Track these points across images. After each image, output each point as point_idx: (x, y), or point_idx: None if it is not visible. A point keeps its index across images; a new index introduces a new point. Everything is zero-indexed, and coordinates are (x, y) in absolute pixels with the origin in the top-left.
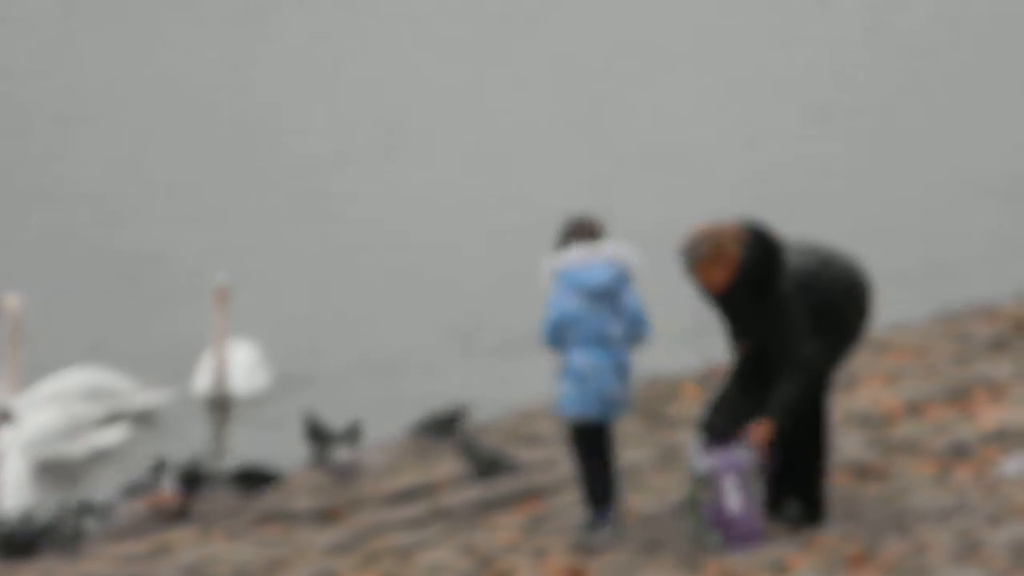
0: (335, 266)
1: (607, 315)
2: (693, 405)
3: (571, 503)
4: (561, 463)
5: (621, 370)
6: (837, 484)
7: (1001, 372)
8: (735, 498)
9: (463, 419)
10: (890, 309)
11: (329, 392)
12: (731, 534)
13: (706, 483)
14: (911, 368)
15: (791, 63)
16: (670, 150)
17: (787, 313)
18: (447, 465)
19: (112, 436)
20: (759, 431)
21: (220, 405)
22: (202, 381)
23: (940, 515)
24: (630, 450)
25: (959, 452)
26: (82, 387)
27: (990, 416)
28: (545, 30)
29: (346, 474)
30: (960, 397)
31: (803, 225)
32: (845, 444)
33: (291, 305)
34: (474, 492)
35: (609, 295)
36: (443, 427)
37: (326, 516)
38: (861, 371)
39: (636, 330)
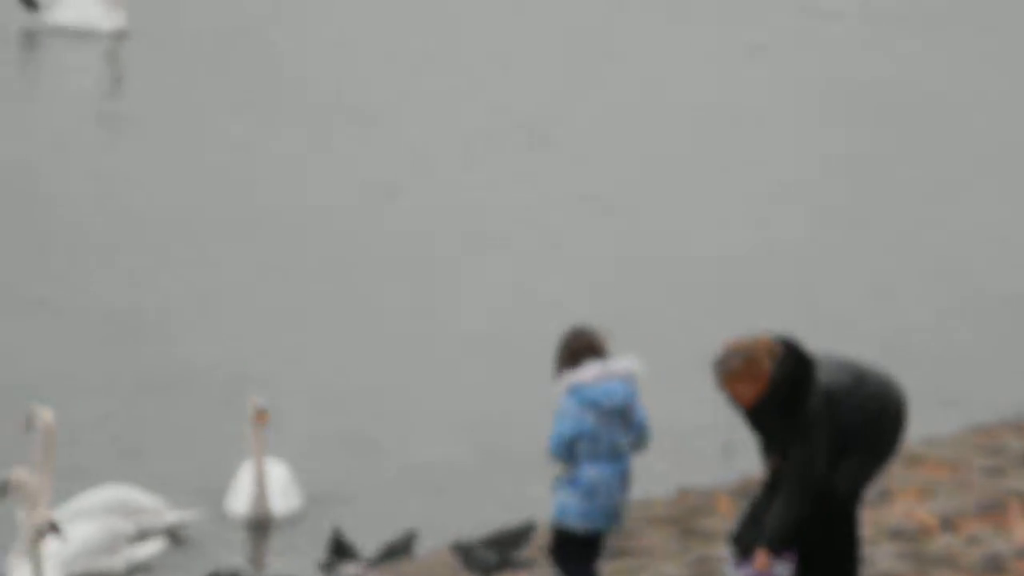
0: (364, 376)
1: (618, 429)
2: (727, 518)
3: None
4: None
5: (626, 480)
6: None
7: None
8: None
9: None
10: (922, 422)
11: (362, 510)
12: None
13: None
14: (944, 482)
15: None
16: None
17: (810, 436)
18: None
19: (149, 550)
20: (759, 558)
21: (259, 524)
22: (239, 500)
23: None
24: (663, 564)
25: (994, 566)
26: (114, 502)
27: None
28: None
29: None
30: (994, 511)
31: (829, 340)
32: (879, 557)
33: (318, 423)
34: None
35: (623, 411)
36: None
37: None
38: (894, 485)
39: (642, 440)
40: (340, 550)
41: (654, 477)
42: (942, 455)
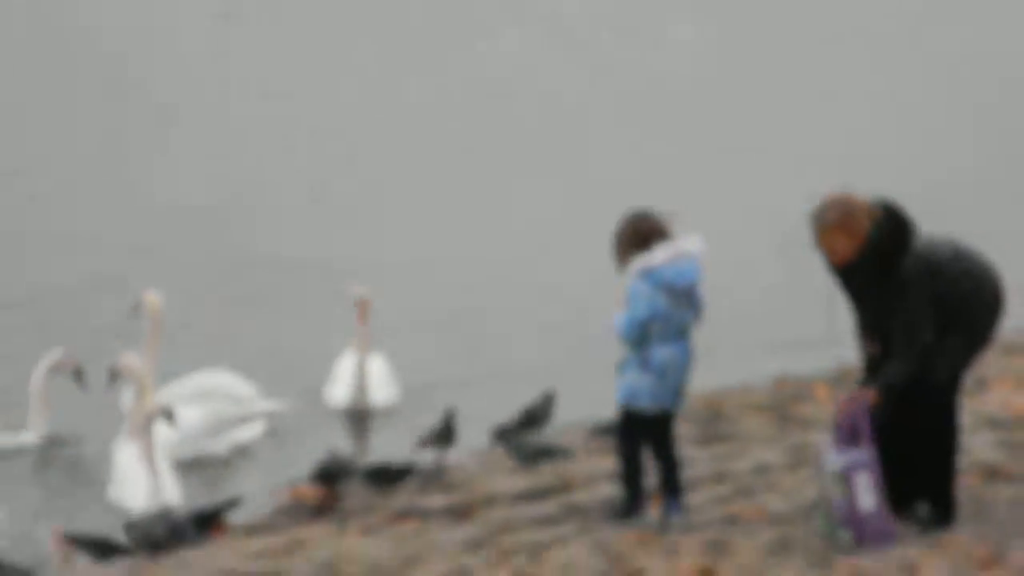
0: (462, 273)
1: (686, 308)
2: (825, 406)
3: (703, 502)
4: (695, 463)
5: (692, 359)
6: (967, 486)
7: None
8: (868, 496)
9: (549, 409)
10: (1019, 311)
11: (459, 400)
12: (863, 532)
13: (839, 481)
14: None
15: None
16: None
17: (909, 295)
18: (581, 464)
19: (249, 435)
20: (859, 395)
21: (357, 415)
22: (338, 391)
23: None
24: (760, 450)
25: None
26: (211, 388)
27: None
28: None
29: (433, 475)
30: None
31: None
32: (975, 446)
33: (416, 312)
34: (606, 489)
35: (691, 290)
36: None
37: (459, 513)
38: (991, 374)
39: (700, 317)
40: (447, 434)
41: (753, 365)
42: None
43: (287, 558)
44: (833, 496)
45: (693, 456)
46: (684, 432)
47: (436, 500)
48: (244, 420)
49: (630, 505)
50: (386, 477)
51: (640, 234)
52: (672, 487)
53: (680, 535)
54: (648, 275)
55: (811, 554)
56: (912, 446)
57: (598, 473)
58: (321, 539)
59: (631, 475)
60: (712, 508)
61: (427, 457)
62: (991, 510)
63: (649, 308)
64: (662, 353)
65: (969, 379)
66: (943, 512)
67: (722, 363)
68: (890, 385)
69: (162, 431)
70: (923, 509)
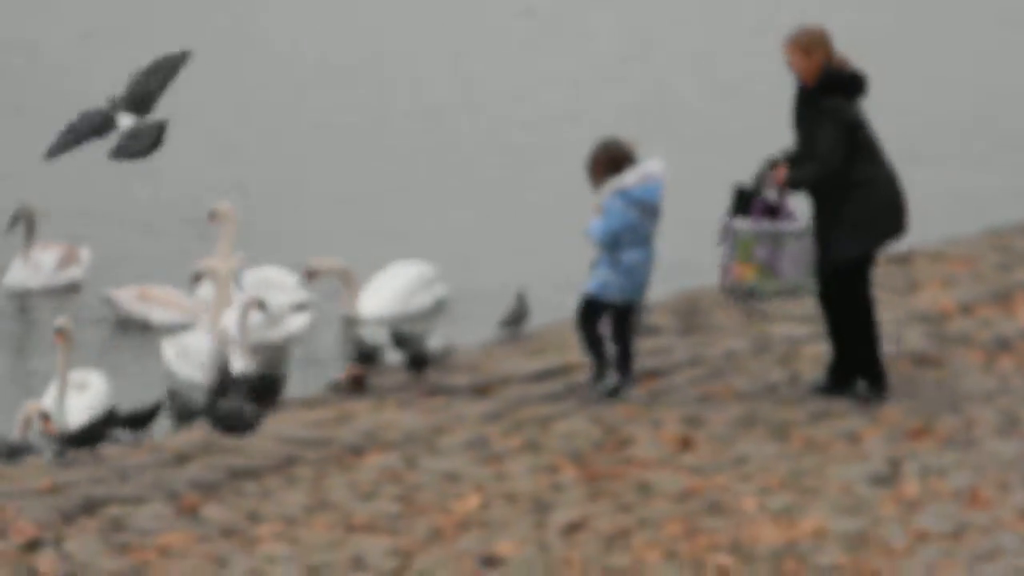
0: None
1: (651, 220)
2: (784, 304)
3: (682, 383)
4: (675, 350)
5: (653, 260)
6: (901, 371)
7: None
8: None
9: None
10: (945, 225)
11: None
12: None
13: (752, 238)
14: (963, 275)
15: None
16: None
17: (830, 123)
18: (573, 351)
19: (300, 323)
20: (779, 172)
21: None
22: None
23: (986, 396)
24: (728, 340)
25: (1003, 345)
26: (261, 279)
27: None
28: None
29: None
30: (1004, 299)
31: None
32: (909, 337)
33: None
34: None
35: (656, 206)
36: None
37: (480, 391)
38: (921, 277)
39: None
40: (523, 312)
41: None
42: (961, 253)
43: (336, 427)
44: (755, 251)
45: (674, 344)
46: (667, 323)
47: (460, 379)
48: (291, 310)
49: (599, 372)
50: (417, 362)
51: (613, 160)
52: (626, 366)
53: (662, 410)
54: (621, 194)
55: (772, 427)
56: (840, 327)
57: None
58: (364, 412)
59: (595, 347)
60: (689, 388)
61: (438, 342)
62: (921, 390)
63: (622, 221)
64: (630, 256)
65: (903, 282)
66: (879, 385)
67: (704, 268)
68: (798, 180)
69: (256, 318)
70: (861, 387)
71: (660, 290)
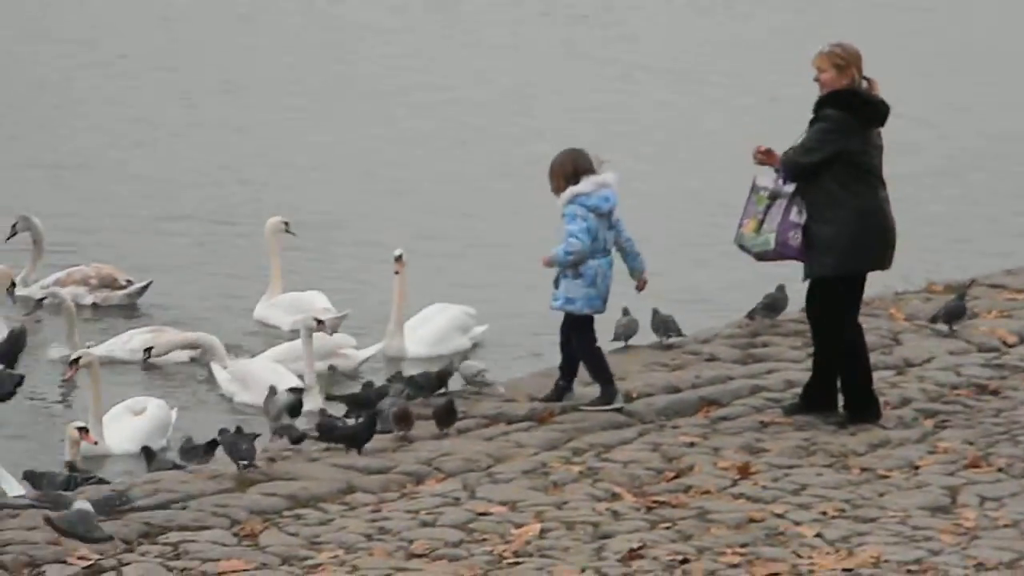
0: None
1: (607, 229)
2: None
3: (741, 411)
4: (735, 379)
5: (612, 270)
6: (961, 399)
7: None
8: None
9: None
10: (1006, 258)
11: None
12: (785, 241)
13: (773, 196)
14: (1022, 304)
15: None
16: None
17: (821, 128)
18: (634, 380)
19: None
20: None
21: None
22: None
23: None
24: (787, 369)
25: None
26: (308, 302)
27: None
28: None
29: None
30: None
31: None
32: (967, 367)
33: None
34: (662, 400)
35: (611, 213)
36: None
37: (539, 420)
38: (980, 308)
39: (620, 235)
40: (634, 328)
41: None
42: (1019, 283)
43: (395, 455)
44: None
45: (733, 372)
46: (726, 354)
47: (520, 408)
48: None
49: (610, 388)
50: (476, 393)
51: (575, 169)
52: (573, 373)
53: (721, 438)
54: (579, 202)
55: (830, 456)
56: (821, 347)
57: (655, 383)
58: (426, 440)
59: (598, 364)
60: (748, 416)
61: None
62: (979, 420)
63: (585, 222)
64: (592, 266)
65: (963, 315)
66: (855, 412)
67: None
68: (782, 159)
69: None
70: (856, 410)
71: (720, 319)
